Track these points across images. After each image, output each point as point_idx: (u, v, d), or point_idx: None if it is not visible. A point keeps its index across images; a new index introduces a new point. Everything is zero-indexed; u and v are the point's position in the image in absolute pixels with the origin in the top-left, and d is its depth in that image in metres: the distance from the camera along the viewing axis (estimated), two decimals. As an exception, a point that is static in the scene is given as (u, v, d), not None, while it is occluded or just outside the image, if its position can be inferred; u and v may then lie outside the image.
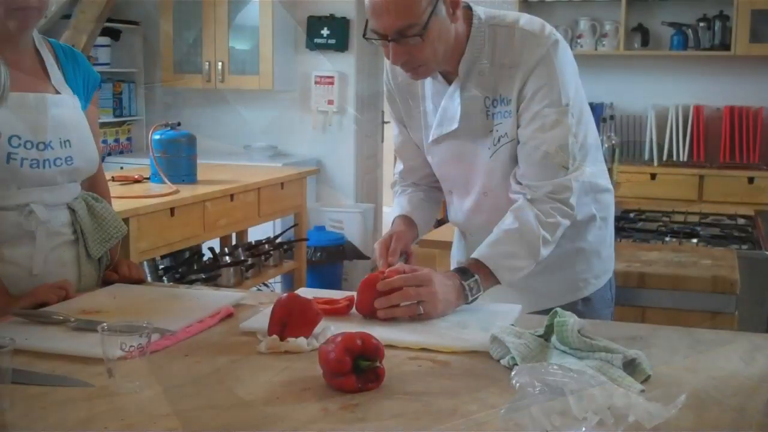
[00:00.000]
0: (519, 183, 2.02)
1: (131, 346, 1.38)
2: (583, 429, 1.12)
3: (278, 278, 5.57)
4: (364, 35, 1.91)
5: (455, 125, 2.05)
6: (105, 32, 6.51)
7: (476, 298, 1.87)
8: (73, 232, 2.02)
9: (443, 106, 2.07)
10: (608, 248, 2.27)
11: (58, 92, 1.99)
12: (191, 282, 4.18)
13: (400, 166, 2.34)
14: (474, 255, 1.94)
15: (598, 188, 2.19)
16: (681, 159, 5.97)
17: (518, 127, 2.00)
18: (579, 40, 6.22)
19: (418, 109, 2.16)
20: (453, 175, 2.18)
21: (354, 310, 1.84)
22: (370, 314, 1.80)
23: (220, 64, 6.56)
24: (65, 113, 1.97)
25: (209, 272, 4.44)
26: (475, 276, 1.87)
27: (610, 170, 4.36)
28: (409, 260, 2.09)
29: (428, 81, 2.09)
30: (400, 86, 2.16)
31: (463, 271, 1.88)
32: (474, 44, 1.99)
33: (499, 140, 2.03)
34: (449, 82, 2.05)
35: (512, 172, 2.04)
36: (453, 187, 2.21)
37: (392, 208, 2.31)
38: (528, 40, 1.97)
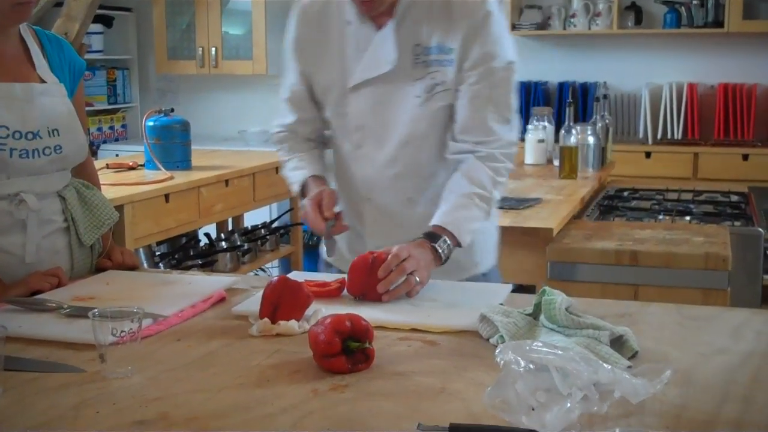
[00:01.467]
0: (460, 141, 2.05)
1: (122, 332, 1.39)
2: (568, 405, 1.13)
3: (275, 263, 5.57)
4: None
5: (388, 67, 2.03)
6: (98, 19, 6.49)
7: (448, 258, 1.93)
8: (65, 219, 2.03)
9: (373, 48, 2.05)
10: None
11: (43, 81, 1.99)
12: (188, 268, 4.19)
13: (289, 119, 2.24)
14: (435, 221, 1.96)
15: None
16: (675, 137, 5.97)
17: (463, 81, 2.03)
18: (572, 20, 6.21)
19: (332, 55, 2.10)
20: (371, 124, 2.11)
21: (345, 292, 1.85)
22: (361, 295, 1.81)
23: (213, 49, 6.55)
24: (52, 102, 1.98)
25: (205, 258, 4.44)
26: (443, 237, 1.93)
27: (604, 149, 4.39)
28: (339, 219, 2.03)
29: (351, 24, 2.06)
30: (312, 33, 2.13)
31: (431, 236, 1.93)
32: None
33: (434, 88, 2.04)
34: (378, 26, 2.05)
35: (450, 129, 2.07)
36: (366, 138, 2.12)
37: (291, 167, 2.22)
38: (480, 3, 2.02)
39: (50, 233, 1.99)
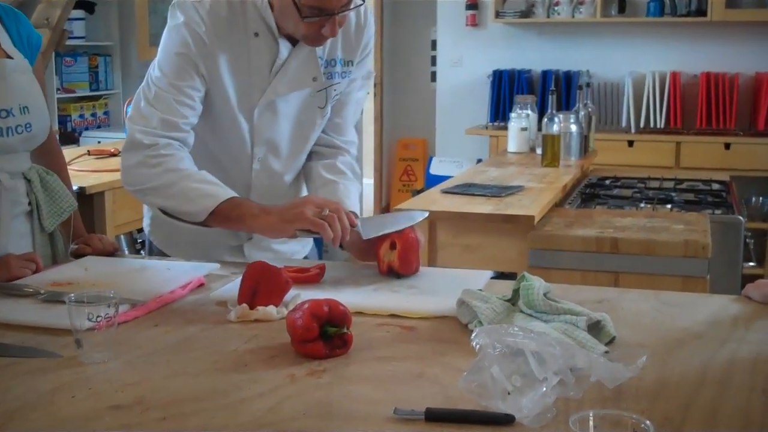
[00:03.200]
0: (337, 143, 2.24)
1: (99, 317, 1.38)
2: (544, 389, 1.13)
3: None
4: (302, 16, 1.90)
5: (312, 84, 2.08)
6: (79, 5, 6.46)
7: None
8: (29, 203, 2.00)
9: (296, 65, 2.05)
10: None
11: (9, 56, 1.95)
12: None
13: (181, 124, 1.99)
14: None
15: None
16: (658, 126, 5.99)
17: (351, 90, 2.20)
18: (556, 8, 6.21)
19: (240, 67, 2.03)
20: (277, 137, 2.12)
21: (323, 277, 1.86)
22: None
23: (196, 36, 6.51)
24: (21, 78, 1.94)
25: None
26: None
27: (586, 137, 4.40)
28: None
29: (258, 37, 2.01)
30: (221, 40, 1.99)
31: None
32: None
33: (332, 99, 2.16)
34: (292, 42, 2.05)
35: (325, 129, 2.22)
36: (270, 151, 2.14)
37: (199, 179, 1.96)
38: (369, 14, 2.16)
39: (16, 216, 1.97)
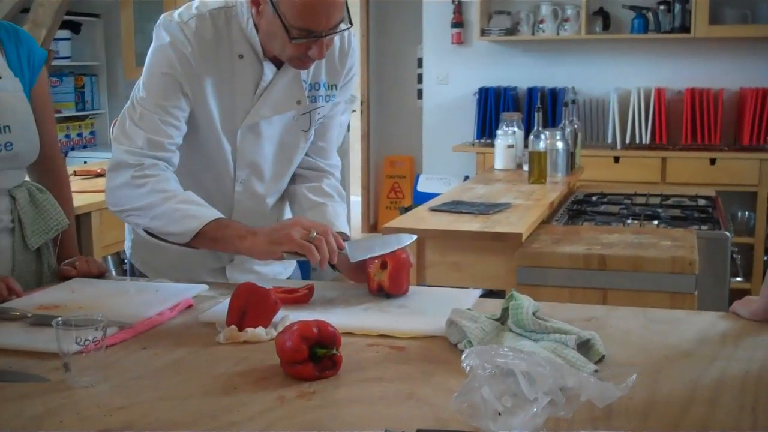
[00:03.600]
0: (322, 166, 2.25)
1: (86, 340, 1.37)
2: (535, 410, 1.13)
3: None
4: (290, 37, 1.89)
5: (296, 107, 2.09)
6: (65, 25, 6.46)
7: None
8: (12, 220, 1.99)
9: (280, 88, 2.06)
10: None
11: None
12: (157, 275, 4.16)
13: (144, 138, 1.96)
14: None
15: None
16: (643, 142, 6.01)
17: (335, 113, 2.21)
18: (541, 25, 6.24)
19: (224, 88, 2.03)
20: (260, 160, 2.13)
21: (312, 298, 1.85)
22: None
23: (182, 55, 6.51)
24: (5, 98, 1.94)
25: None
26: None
27: (573, 154, 4.42)
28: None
29: (243, 59, 2.02)
30: (206, 60, 1.99)
31: None
32: None
33: (316, 122, 2.16)
34: (277, 65, 2.06)
35: (309, 152, 2.23)
36: (252, 174, 2.14)
37: (183, 199, 1.95)
38: (353, 38, 2.17)
39: None
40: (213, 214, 1.93)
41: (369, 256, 1.87)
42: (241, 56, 2.02)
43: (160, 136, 1.97)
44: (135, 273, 2.30)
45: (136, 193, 1.95)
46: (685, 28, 5.91)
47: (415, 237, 2.00)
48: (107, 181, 2.02)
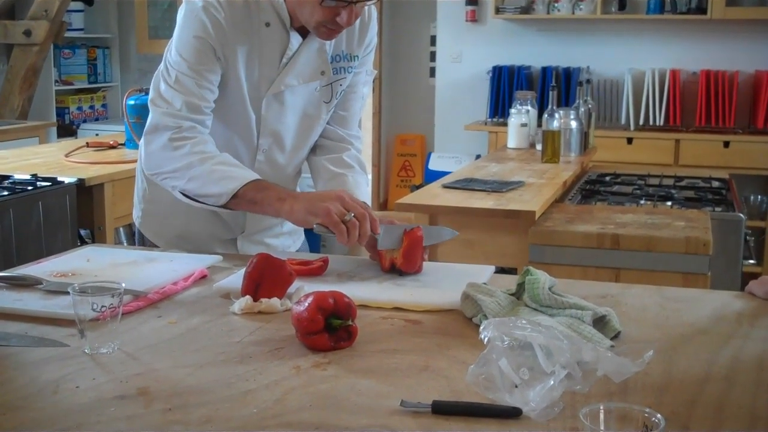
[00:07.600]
0: (342, 135, 2.25)
1: (102, 307, 1.37)
2: (552, 383, 1.13)
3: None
4: (320, 2, 1.89)
5: (321, 77, 2.09)
6: (78, -3, 6.45)
7: None
8: None
9: (305, 57, 2.06)
10: None
11: None
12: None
13: (182, 100, 1.98)
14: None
15: None
16: (657, 123, 5.98)
17: (356, 84, 2.22)
18: (556, 5, 6.20)
19: (252, 55, 2.02)
20: (283, 130, 2.13)
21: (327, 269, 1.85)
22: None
23: (195, 29, 6.50)
24: None
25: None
26: None
27: (586, 134, 4.40)
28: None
29: (270, 27, 2.01)
30: (237, 27, 1.98)
31: None
32: None
33: (339, 94, 2.16)
34: (303, 35, 2.05)
35: (330, 121, 2.22)
36: (275, 143, 2.14)
37: (220, 160, 1.97)
38: (373, 11, 2.17)
39: None
40: (251, 175, 1.93)
41: (399, 248, 1.84)
42: (267, 24, 2.01)
43: (198, 99, 1.98)
44: (145, 243, 2.30)
45: (175, 155, 1.95)
46: (701, 9, 5.86)
47: (456, 233, 1.96)
48: (145, 145, 2.03)
